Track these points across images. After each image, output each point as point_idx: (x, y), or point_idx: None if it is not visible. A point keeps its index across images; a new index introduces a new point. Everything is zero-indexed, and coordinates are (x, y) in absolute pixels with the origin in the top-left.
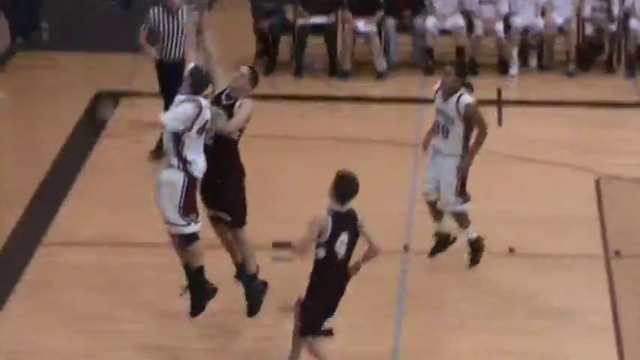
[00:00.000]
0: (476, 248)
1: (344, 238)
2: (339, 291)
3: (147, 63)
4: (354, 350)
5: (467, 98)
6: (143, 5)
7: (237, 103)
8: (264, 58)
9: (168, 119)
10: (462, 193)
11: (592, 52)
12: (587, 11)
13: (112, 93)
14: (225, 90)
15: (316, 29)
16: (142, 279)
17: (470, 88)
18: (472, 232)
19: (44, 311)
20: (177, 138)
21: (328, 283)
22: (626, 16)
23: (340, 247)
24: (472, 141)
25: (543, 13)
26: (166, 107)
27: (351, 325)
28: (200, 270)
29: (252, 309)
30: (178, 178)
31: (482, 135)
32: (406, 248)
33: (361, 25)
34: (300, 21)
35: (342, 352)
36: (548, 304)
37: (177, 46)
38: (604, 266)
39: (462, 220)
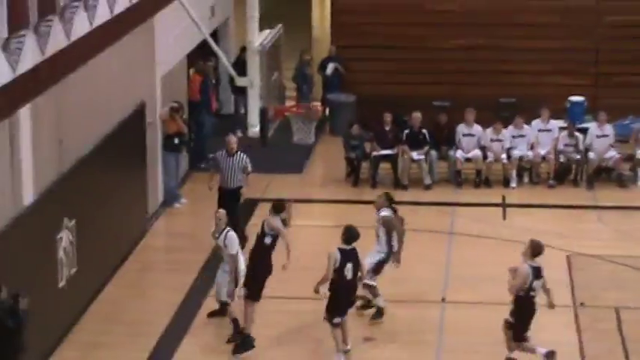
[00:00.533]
0: (380, 313)
1: (349, 266)
2: (348, 298)
3: (277, 181)
4: None
5: (385, 213)
6: (274, 142)
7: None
8: (352, 176)
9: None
10: (375, 271)
11: (564, 173)
12: (561, 146)
13: (253, 200)
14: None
15: (385, 157)
16: None
17: (394, 210)
18: (380, 301)
19: None
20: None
21: (339, 294)
22: (587, 150)
23: (347, 272)
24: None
25: (532, 147)
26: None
27: (404, 350)
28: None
29: (237, 349)
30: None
31: (400, 238)
32: (443, 300)
33: (415, 154)
34: (375, 152)
35: None
36: (535, 338)
37: (233, 179)
38: (573, 313)
39: (372, 292)
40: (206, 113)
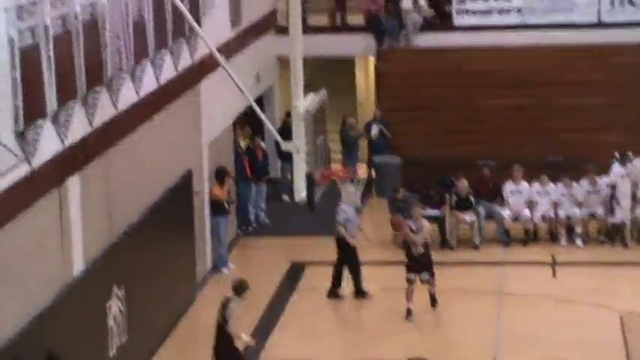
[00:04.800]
0: None
1: None
2: None
3: (325, 244)
4: None
5: None
6: (321, 207)
7: None
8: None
9: None
10: None
11: (614, 232)
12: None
13: (301, 263)
14: None
15: (432, 218)
16: None
17: None
18: None
19: None
20: None
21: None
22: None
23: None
24: None
25: (580, 205)
26: None
27: None
28: None
29: None
30: None
31: None
32: None
33: (467, 217)
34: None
35: None
36: None
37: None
38: None
39: None
40: (241, 180)
